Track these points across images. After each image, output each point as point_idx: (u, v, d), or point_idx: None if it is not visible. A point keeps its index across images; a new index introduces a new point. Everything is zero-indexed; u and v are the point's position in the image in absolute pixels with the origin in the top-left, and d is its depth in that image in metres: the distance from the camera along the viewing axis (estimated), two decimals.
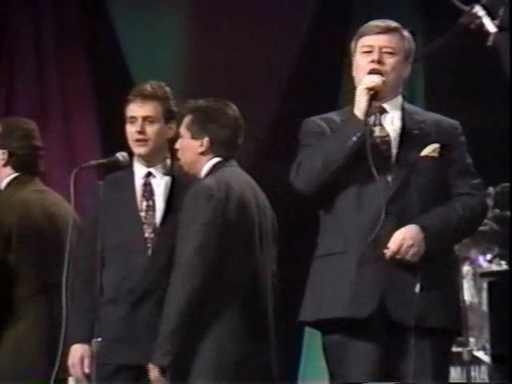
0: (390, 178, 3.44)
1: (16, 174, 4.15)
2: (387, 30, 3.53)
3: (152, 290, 3.84)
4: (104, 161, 3.86)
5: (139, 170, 3.94)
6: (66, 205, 4.11)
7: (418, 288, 3.37)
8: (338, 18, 6.68)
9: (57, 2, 6.81)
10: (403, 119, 3.53)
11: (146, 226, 3.89)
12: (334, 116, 3.57)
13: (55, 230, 4.05)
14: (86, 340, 3.77)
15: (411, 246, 3.39)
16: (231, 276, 3.72)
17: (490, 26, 3.75)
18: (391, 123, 3.53)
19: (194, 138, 3.85)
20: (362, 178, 3.44)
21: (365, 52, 3.51)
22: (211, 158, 3.85)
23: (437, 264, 3.44)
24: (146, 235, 3.89)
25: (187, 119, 3.87)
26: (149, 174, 3.94)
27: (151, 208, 3.92)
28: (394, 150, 3.49)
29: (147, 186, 3.94)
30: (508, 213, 5.24)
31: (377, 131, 3.49)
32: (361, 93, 3.43)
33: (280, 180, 5.99)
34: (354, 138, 3.40)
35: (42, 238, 4.05)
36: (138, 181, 3.95)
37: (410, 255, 3.39)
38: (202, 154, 3.85)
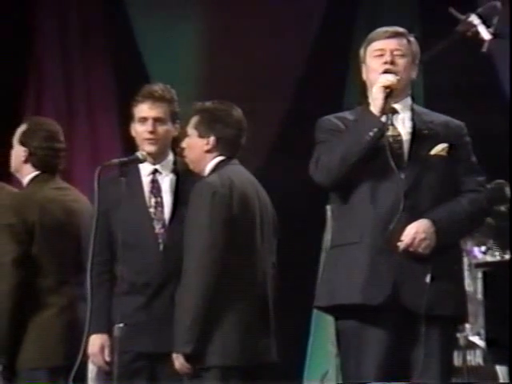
0: (403, 175, 3.43)
1: (37, 173, 4.12)
2: (396, 35, 3.53)
3: (166, 283, 3.82)
4: (125, 159, 3.84)
5: (145, 167, 3.91)
6: (86, 201, 4.11)
7: (428, 278, 3.36)
8: (342, 25, 6.69)
9: (81, 12, 6.83)
10: (413, 119, 3.52)
11: (155, 222, 3.88)
12: (347, 115, 3.57)
13: (75, 225, 4.03)
14: (104, 330, 3.78)
15: (424, 239, 3.39)
16: (236, 267, 3.71)
17: (485, 34, 3.75)
18: (402, 123, 3.52)
19: (200, 136, 3.84)
20: (377, 173, 3.44)
21: (377, 55, 3.51)
22: (216, 156, 3.85)
23: (446, 256, 3.44)
24: (157, 231, 3.87)
25: (194, 119, 3.87)
26: (155, 171, 3.92)
27: (160, 204, 3.90)
28: (406, 149, 3.48)
29: (155, 183, 3.92)
30: (502, 207, 5.24)
31: (389, 131, 3.48)
32: (377, 90, 3.43)
33: (290, 177, 6.02)
34: (371, 133, 3.40)
35: (62, 233, 4.03)
36: (145, 178, 3.92)
37: (423, 248, 3.39)
38: (208, 151, 3.84)
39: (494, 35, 3.75)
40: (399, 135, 3.49)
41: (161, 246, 3.85)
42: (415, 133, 3.50)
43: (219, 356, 3.66)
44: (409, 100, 3.56)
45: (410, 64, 3.53)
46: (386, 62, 3.49)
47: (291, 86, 6.75)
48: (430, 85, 6.19)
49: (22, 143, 4.14)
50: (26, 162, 4.12)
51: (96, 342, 3.80)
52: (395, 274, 3.39)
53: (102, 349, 3.80)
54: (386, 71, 3.47)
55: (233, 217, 3.72)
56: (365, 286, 3.41)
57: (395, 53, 3.51)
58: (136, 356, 3.75)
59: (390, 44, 3.52)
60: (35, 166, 4.12)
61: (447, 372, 3.47)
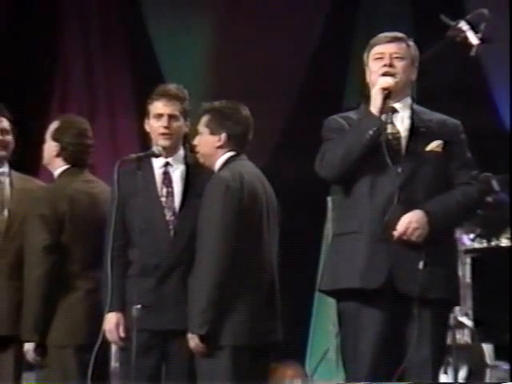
0: (399, 170, 3.43)
1: (67, 166, 4.11)
2: (395, 39, 3.53)
3: (176, 266, 3.81)
4: (142, 154, 3.88)
5: (158, 161, 3.90)
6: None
7: (421, 265, 3.36)
8: (342, 31, 6.69)
9: (101, 18, 6.84)
10: (412, 118, 3.51)
11: (166, 210, 3.87)
12: (352, 114, 3.57)
13: (101, 215, 4.01)
14: (119, 309, 3.78)
15: (416, 228, 3.38)
16: (246, 256, 3.71)
17: (473, 39, 3.74)
18: (401, 121, 3.51)
19: (212, 133, 3.83)
20: (376, 168, 3.45)
21: (377, 58, 3.52)
22: (226, 152, 3.84)
23: (439, 244, 3.42)
24: (168, 218, 3.85)
25: (205, 118, 3.85)
26: (167, 164, 3.90)
27: (170, 194, 3.89)
28: (404, 145, 3.48)
29: (166, 175, 3.90)
30: (488, 199, 5.23)
31: (389, 128, 3.48)
32: (376, 92, 3.43)
33: (293, 170, 6.02)
34: (371, 132, 3.41)
35: (89, 223, 4.02)
36: (158, 170, 3.91)
37: (415, 236, 3.38)
38: (219, 147, 3.83)
39: (482, 40, 3.74)
40: (398, 132, 3.49)
41: (171, 232, 3.84)
42: (413, 130, 3.49)
43: (231, 336, 3.67)
44: (409, 100, 3.55)
45: (409, 66, 3.53)
46: (385, 65, 3.49)
47: (294, 86, 6.76)
48: (422, 86, 6.20)
49: (55, 139, 4.13)
50: (57, 156, 4.12)
51: (112, 320, 3.80)
52: (391, 260, 3.40)
53: (117, 326, 3.80)
54: (385, 73, 3.47)
55: (243, 209, 3.72)
56: (363, 271, 3.42)
57: (394, 56, 3.51)
58: (148, 334, 3.74)
59: (390, 48, 3.52)
60: (66, 160, 4.11)
61: (439, 351, 3.46)
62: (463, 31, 3.72)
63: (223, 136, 3.82)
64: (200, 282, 3.66)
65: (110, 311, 3.79)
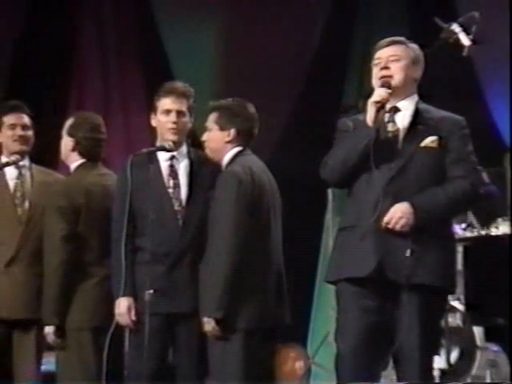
0: (392, 165, 3.43)
1: (82, 161, 4.11)
2: (392, 43, 3.52)
3: (184, 253, 3.82)
4: (154, 148, 3.89)
5: (163, 154, 3.88)
6: None
7: (408, 252, 3.34)
8: (341, 34, 6.69)
9: (116, 20, 6.84)
10: (413, 116, 3.49)
11: (174, 201, 3.86)
12: (360, 116, 3.56)
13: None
14: (129, 294, 3.77)
15: (400, 218, 3.36)
16: (256, 246, 3.73)
17: (465, 40, 3.76)
18: (402, 120, 3.49)
19: (221, 129, 3.83)
20: (372, 168, 3.44)
21: (376, 64, 3.52)
22: (234, 147, 3.84)
23: (428, 233, 3.39)
24: (175, 208, 3.85)
25: (214, 115, 3.85)
26: (172, 157, 3.89)
27: (177, 185, 3.88)
28: (401, 143, 3.46)
29: (172, 168, 3.89)
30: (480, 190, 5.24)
31: (389, 127, 3.47)
32: (370, 105, 3.43)
33: (295, 166, 6.01)
34: (365, 141, 3.41)
35: (103, 214, 4.01)
36: (164, 163, 3.89)
37: (400, 226, 3.36)
38: (228, 142, 3.83)
39: (473, 41, 3.76)
40: (397, 130, 3.47)
41: (180, 222, 3.84)
42: (411, 128, 3.47)
43: (244, 320, 3.68)
44: (414, 98, 3.51)
45: (408, 66, 3.49)
46: (381, 68, 3.48)
47: (296, 86, 6.76)
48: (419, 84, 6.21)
49: (70, 134, 4.14)
50: (73, 150, 4.12)
51: (123, 304, 3.79)
52: (380, 250, 3.39)
53: (128, 309, 3.78)
54: (382, 76, 3.47)
55: (253, 201, 3.74)
56: (357, 260, 3.43)
57: (390, 58, 3.48)
58: (159, 317, 3.73)
59: (386, 52, 3.50)
60: (81, 154, 4.12)
61: (431, 337, 3.42)
62: (456, 33, 3.75)
63: (232, 132, 3.83)
64: (215, 270, 3.67)
65: (121, 296, 3.79)
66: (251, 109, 3.89)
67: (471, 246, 4.88)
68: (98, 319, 3.91)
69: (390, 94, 3.43)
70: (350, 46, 6.64)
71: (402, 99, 3.50)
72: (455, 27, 3.75)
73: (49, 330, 3.97)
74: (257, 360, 3.72)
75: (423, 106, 3.54)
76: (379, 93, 3.43)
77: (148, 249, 3.77)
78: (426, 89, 6.32)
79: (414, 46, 3.54)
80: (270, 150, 5.98)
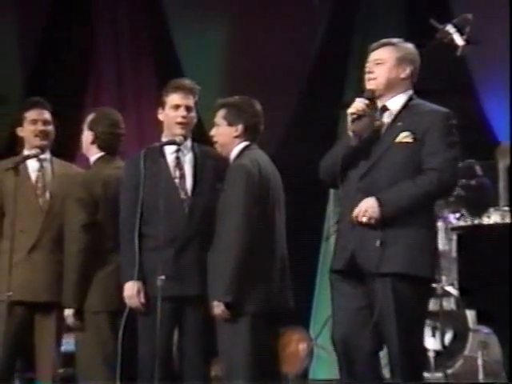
0: (366, 163, 3.43)
1: (101, 154, 4.12)
2: (378, 47, 3.52)
3: (191, 239, 3.82)
4: (165, 142, 3.89)
5: (170, 147, 3.87)
6: None
7: (378, 243, 3.34)
8: (342, 33, 6.69)
9: (130, 21, 6.86)
10: (398, 114, 3.47)
11: (180, 190, 3.86)
12: None
13: None
14: (139, 278, 3.76)
15: (365, 211, 3.36)
16: (262, 235, 3.74)
17: (459, 40, 3.76)
18: (388, 118, 3.48)
19: (230, 125, 3.83)
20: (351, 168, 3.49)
21: (365, 68, 3.53)
22: (241, 142, 3.84)
23: (397, 224, 3.36)
24: (182, 197, 3.85)
25: (222, 112, 3.85)
26: (178, 150, 3.88)
27: (183, 176, 3.87)
28: (379, 140, 3.45)
29: (178, 159, 3.89)
30: (471, 182, 5.23)
31: (377, 125, 3.47)
32: (347, 115, 3.45)
33: (297, 159, 6.02)
34: (345, 150, 3.44)
35: (119, 204, 4.00)
36: (170, 155, 3.88)
37: (366, 219, 3.36)
38: (236, 137, 3.83)
39: (467, 41, 3.77)
40: (381, 128, 3.47)
41: (186, 210, 3.83)
42: (391, 125, 3.46)
43: (252, 304, 3.70)
44: (403, 96, 3.49)
45: (392, 68, 3.47)
46: (368, 72, 3.51)
47: (299, 83, 6.76)
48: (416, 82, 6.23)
49: (90, 128, 4.14)
50: (92, 143, 4.13)
51: (132, 287, 3.79)
52: (353, 243, 3.42)
53: (138, 292, 3.78)
54: (368, 79, 3.48)
55: (260, 192, 3.75)
56: (336, 253, 3.49)
57: (375, 62, 3.49)
58: (167, 300, 3.71)
59: (372, 56, 3.52)
60: (100, 148, 4.13)
61: (404, 323, 3.36)
62: (450, 33, 3.75)
63: (240, 127, 3.84)
64: (225, 257, 3.68)
65: (128, 280, 3.79)
66: (257, 106, 3.90)
67: (464, 234, 4.89)
68: (114, 303, 3.91)
69: (372, 102, 3.42)
70: (350, 45, 6.65)
71: (391, 98, 3.48)
72: (450, 28, 3.75)
73: (68, 312, 3.99)
74: (263, 342, 3.74)
75: (415, 102, 3.51)
76: (355, 104, 3.43)
77: (155, 235, 3.76)
78: (422, 85, 6.35)
79: (402, 46, 3.50)
80: (275, 144, 6.01)
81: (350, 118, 3.42)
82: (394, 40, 3.54)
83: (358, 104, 3.42)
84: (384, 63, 3.47)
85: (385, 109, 3.49)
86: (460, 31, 3.74)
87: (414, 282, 3.38)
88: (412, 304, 3.38)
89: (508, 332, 4.09)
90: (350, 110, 3.42)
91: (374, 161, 3.43)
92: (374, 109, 3.45)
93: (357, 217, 3.39)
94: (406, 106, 3.48)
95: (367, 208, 3.37)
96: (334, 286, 3.52)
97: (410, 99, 3.50)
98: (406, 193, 3.38)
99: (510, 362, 3.22)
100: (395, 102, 3.49)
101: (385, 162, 3.42)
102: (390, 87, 3.48)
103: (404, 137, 3.42)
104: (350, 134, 3.43)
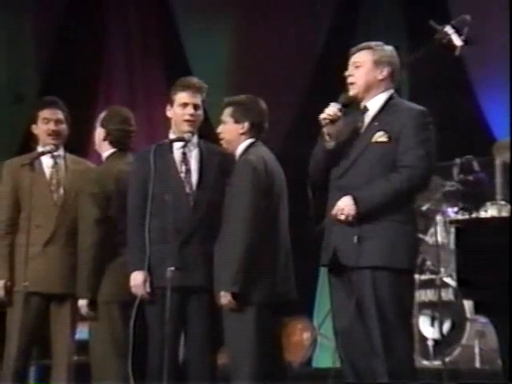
0: (344, 163, 3.49)
1: (113, 150, 4.14)
2: (357, 51, 3.59)
3: (195, 231, 3.83)
4: (174, 139, 3.90)
5: (177, 143, 3.88)
6: None
7: (355, 239, 3.40)
8: (344, 35, 6.67)
9: (141, 25, 6.88)
10: (376, 115, 3.51)
11: (185, 184, 3.86)
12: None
13: None
14: (143, 268, 3.77)
15: (342, 209, 3.42)
16: (267, 228, 3.76)
17: (457, 41, 3.75)
18: (367, 119, 3.53)
19: (236, 122, 3.84)
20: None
21: (347, 72, 3.59)
22: (247, 139, 3.85)
23: (374, 220, 3.40)
24: (187, 191, 3.86)
25: (229, 109, 3.86)
26: (185, 146, 3.89)
27: (189, 171, 3.88)
28: (357, 140, 3.50)
29: (184, 155, 3.90)
30: (469, 177, 5.22)
31: (358, 125, 3.53)
32: (321, 119, 3.51)
33: (301, 155, 6.04)
34: (323, 151, 3.52)
35: None
36: (177, 151, 3.89)
37: (343, 217, 3.42)
38: (242, 134, 3.84)
39: (465, 42, 3.77)
40: (360, 129, 3.53)
41: (191, 203, 3.84)
42: (368, 126, 3.50)
43: (257, 295, 3.71)
44: (382, 96, 3.53)
45: (369, 70, 3.52)
46: (348, 75, 3.57)
47: (302, 82, 6.77)
48: (413, 86, 6.26)
49: (102, 125, 4.17)
50: (104, 140, 4.16)
51: (138, 277, 3.79)
52: (335, 240, 3.48)
53: (144, 282, 3.78)
54: (349, 82, 3.54)
55: (266, 187, 3.77)
56: (323, 250, 3.54)
57: (354, 65, 3.56)
58: (173, 290, 3.71)
59: (352, 59, 3.58)
60: (111, 144, 4.15)
61: (384, 311, 3.38)
62: (448, 34, 3.74)
63: (246, 124, 3.85)
64: (232, 249, 3.69)
65: (134, 270, 3.80)
66: (263, 104, 3.91)
67: (462, 227, 4.89)
68: (125, 294, 3.92)
69: (346, 107, 3.47)
70: (352, 46, 6.65)
71: (372, 98, 3.53)
72: (448, 29, 3.75)
73: (82, 302, 4.02)
74: (268, 331, 3.76)
75: (394, 101, 3.54)
76: (328, 109, 3.49)
77: (160, 228, 3.77)
78: (421, 84, 6.36)
79: (379, 49, 3.56)
80: (278, 141, 6.02)
81: (323, 124, 3.47)
82: (372, 43, 3.60)
83: (331, 109, 3.49)
84: (362, 66, 3.54)
85: (366, 109, 3.54)
86: (458, 32, 3.73)
87: (393, 274, 3.40)
88: (392, 295, 3.40)
89: (506, 321, 4.10)
90: (322, 116, 3.48)
91: (351, 160, 3.48)
92: (347, 113, 3.50)
93: (335, 215, 3.44)
94: (384, 106, 3.52)
95: (344, 206, 3.42)
96: (329, 280, 3.57)
97: (390, 98, 3.54)
98: (379, 190, 3.43)
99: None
100: (375, 103, 3.54)
101: (362, 161, 3.47)
102: (369, 88, 3.53)
103: (379, 136, 3.47)
104: (326, 137, 3.48)
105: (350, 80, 3.54)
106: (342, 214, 3.42)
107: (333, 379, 3.54)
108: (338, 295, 3.52)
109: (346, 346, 3.49)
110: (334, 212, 3.45)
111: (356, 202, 3.41)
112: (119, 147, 4.15)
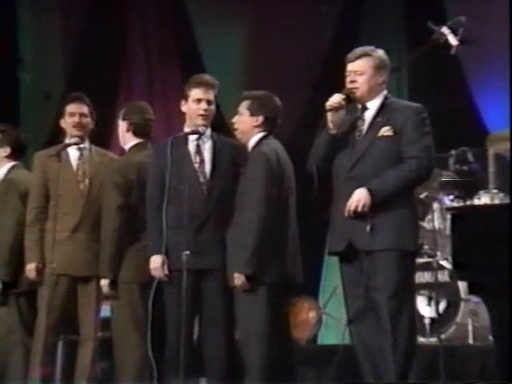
0: (353, 156, 3.53)
1: (135, 142, 4.15)
2: (356, 58, 3.60)
3: (209, 218, 3.84)
4: (190, 131, 3.91)
5: (192, 135, 3.88)
6: None
7: (368, 228, 3.46)
8: (350, 32, 6.67)
9: (159, 29, 6.88)
10: (377, 113, 3.56)
11: (200, 174, 3.87)
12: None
13: None
14: (161, 252, 3.79)
15: (358, 200, 3.45)
16: (278, 215, 3.77)
17: (453, 41, 3.76)
18: (368, 116, 3.58)
19: (252, 115, 3.84)
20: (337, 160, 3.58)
21: (346, 75, 3.61)
22: (260, 131, 3.85)
23: (384, 210, 3.46)
24: (201, 180, 3.86)
25: (246, 102, 3.86)
26: (199, 138, 3.90)
27: (202, 161, 3.89)
28: (363, 135, 3.55)
29: (198, 147, 3.90)
30: (464, 167, 5.23)
31: (358, 123, 3.58)
32: (326, 107, 3.54)
33: (309, 148, 6.04)
34: (327, 135, 3.56)
35: None
36: (191, 143, 3.90)
37: (360, 207, 3.45)
38: (256, 127, 3.84)
39: (461, 42, 3.78)
40: (362, 125, 3.58)
41: (205, 191, 3.85)
42: (373, 122, 3.56)
43: (268, 276, 3.73)
44: (380, 96, 3.59)
45: (371, 76, 3.57)
46: (350, 82, 3.59)
47: (311, 79, 6.77)
48: (412, 83, 6.25)
49: (124, 118, 4.19)
50: (127, 131, 4.17)
51: (157, 260, 3.81)
52: (350, 228, 3.50)
53: (162, 265, 3.79)
54: (351, 88, 3.56)
55: (277, 177, 3.78)
56: (335, 238, 3.58)
57: (356, 73, 3.58)
58: (188, 273, 3.71)
59: (353, 66, 3.60)
60: (134, 133, 4.16)
61: (394, 294, 3.44)
62: (445, 35, 3.75)
63: (261, 118, 3.85)
64: (246, 234, 3.71)
65: (153, 254, 3.82)
66: (278, 101, 3.92)
67: (457, 214, 4.90)
68: (144, 275, 3.93)
69: (349, 100, 3.51)
70: (357, 45, 6.64)
71: (371, 100, 3.58)
72: (444, 29, 3.76)
73: (104, 282, 4.05)
74: (277, 309, 3.78)
75: (390, 100, 3.60)
76: (334, 98, 3.53)
77: (177, 215, 3.77)
78: (420, 82, 6.34)
79: (376, 55, 3.60)
80: (288, 134, 6.03)
81: (327, 112, 3.50)
82: (368, 49, 3.62)
83: (335, 98, 3.53)
84: (364, 73, 3.57)
85: (365, 108, 3.59)
86: (454, 32, 3.74)
87: (402, 255, 3.48)
88: (400, 275, 3.47)
89: (497, 300, 4.11)
90: (328, 103, 3.51)
91: (360, 154, 3.52)
92: (349, 103, 3.55)
93: (352, 207, 3.46)
94: (383, 105, 3.57)
95: (360, 198, 3.45)
96: (340, 269, 3.60)
97: (385, 98, 3.60)
98: (391, 181, 3.48)
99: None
100: (374, 103, 3.59)
101: (370, 154, 3.51)
102: (371, 92, 3.59)
103: (385, 131, 3.52)
104: (330, 124, 3.51)
105: (353, 85, 3.57)
106: (357, 205, 3.45)
107: (340, 353, 3.60)
108: (349, 282, 3.55)
109: (357, 325, 3.52)
110: (349, 203, 3.46)
111: (371, 193, 3.44)
112: (142, 136, 4.16)
